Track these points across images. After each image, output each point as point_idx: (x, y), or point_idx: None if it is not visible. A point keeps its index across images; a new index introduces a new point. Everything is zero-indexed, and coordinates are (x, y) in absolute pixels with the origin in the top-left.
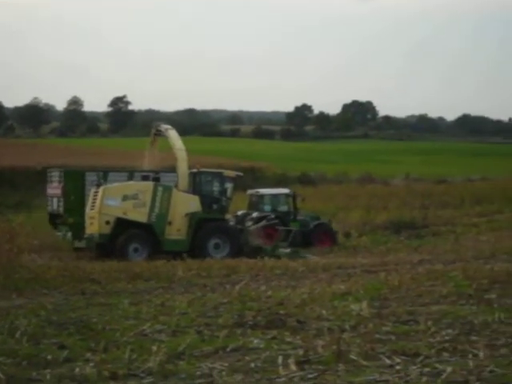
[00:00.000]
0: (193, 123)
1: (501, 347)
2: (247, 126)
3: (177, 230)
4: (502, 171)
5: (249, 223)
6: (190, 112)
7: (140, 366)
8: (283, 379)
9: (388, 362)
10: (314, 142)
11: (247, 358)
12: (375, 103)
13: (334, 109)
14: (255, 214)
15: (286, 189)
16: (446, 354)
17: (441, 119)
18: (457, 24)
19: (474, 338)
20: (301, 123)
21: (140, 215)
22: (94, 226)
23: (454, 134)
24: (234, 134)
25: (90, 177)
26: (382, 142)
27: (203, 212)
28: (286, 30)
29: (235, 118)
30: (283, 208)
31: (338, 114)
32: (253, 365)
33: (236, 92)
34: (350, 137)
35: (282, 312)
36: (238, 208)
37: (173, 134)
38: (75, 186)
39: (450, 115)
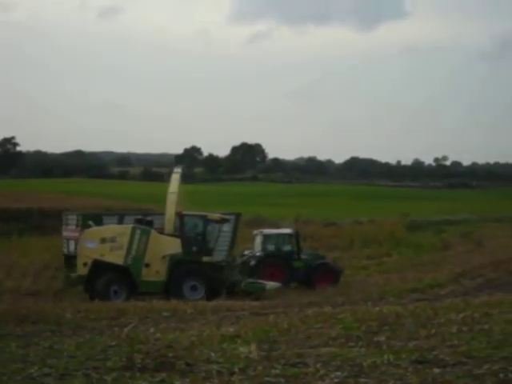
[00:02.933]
0: (80, 165)
1: None
2: (136, 168)
3: (155, 271)
4: (389, 214)
5: (252, 262)
6: (78, 154)
7: None
8: None
9: None
10: (203, 184)
11: None
12: (264, 145)
13: (223, 151)
14: (258, 254)
15: (289, 229)
16: None
17: (329, 162)
18: (342, 66)
19: (362, 380)
20: (190, 165)
21: (117, 257)
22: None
23: (343, 177)
24: (123, 176)
25: (108, 220)
26: (272, 185)
27: (183, 254)
28: (171, 70)
29: (124, 160)
30: (287, 247)
31: (227, 156)
32: None
33: (124, 134)
34: (239, 179)
35: (170, 355)
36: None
37: (173, 177)
38: None
39: (339, 158)
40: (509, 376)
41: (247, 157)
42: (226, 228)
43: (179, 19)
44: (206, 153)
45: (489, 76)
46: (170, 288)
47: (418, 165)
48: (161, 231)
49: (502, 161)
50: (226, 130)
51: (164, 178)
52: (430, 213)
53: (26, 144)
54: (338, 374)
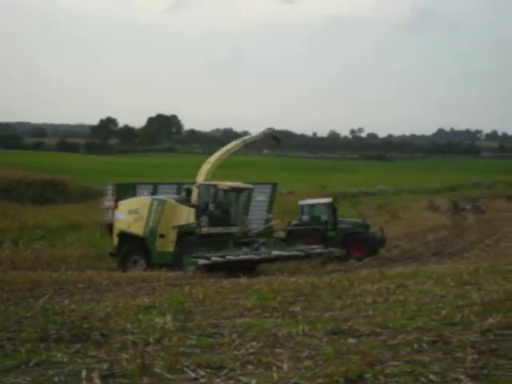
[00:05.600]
0: None
1: (304, 359)
2: (51, 139)
3: (170, 242)
4: (306, 185)
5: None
6: None
7: None
8: None
9: (192, 375)
10: (118, 155)
11: (50, 372)
12: (180, 117)
13: (139, 122)
14: (293, 223)
15: (326, 198)
16: (250, 367)
17: (246, 133)
18: (263, 37)
19: (278, 350)
20: (105, 136)
21: (138, 229)
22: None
23: (258, 148)
24: (38, 147)
25: (141, 189)
26: (188, 156)
27: (192, 225)
28: (91, 42)
29: (39, 131)
30: (323, 217)
31: (143, 128)
32: (56, 379)
33: (40, 105)
34: (155, 150)
35: (85, 326)
36: None
37: (223, 149)
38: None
39: (255, 129)
40: (423, 346)
41: (163, 128)
42: (261, 197)
43: None
44: (121, 124)
45: (409, 47)
46: (172, 258)
47: (334, 136)
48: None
49: (418, 133)
50: (142, 101)
51: (79, 149)
52: (346, 184)
53: None
54: (254, 344)
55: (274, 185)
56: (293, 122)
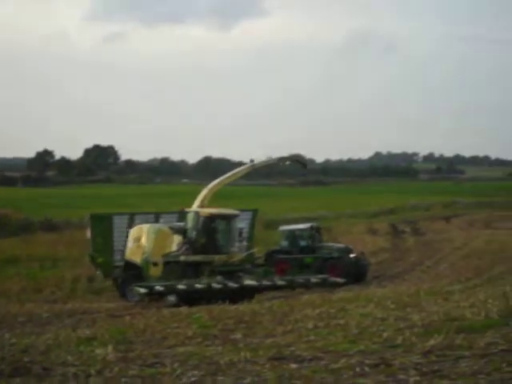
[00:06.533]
0: None
1: None
2: None
3: (161, 270)
4: None
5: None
6: None
7: None
8: None
9: None
10: (56, 187)
11: None
12: (117, 147)
13: (75, 154)
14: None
15: (307, 224)
16: None
17: (183, 162)
18: (196, 65)
19: (220, 378)
20: (42, 169)
21: (137, 256)
22: None
23: (197, 177)
24: None
25: (118, 220)
26: (125, 186)
27: (175, 253)
28: (27, 70)
29: None
30: (302, 243)
31: (80, 159)
32: None
33: None
34: (92, 181)
35: (26, 359)
36: None
37: (228, 174)
38: (102, 229)
39: (192, 158)
40: (365, 369)
41: (100, 159)
42: (242, 224)
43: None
44: (58, 156)
45: (344, 72)
46: None
47: None
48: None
49: (355, 157)
50: (79, 133)
51: (17, 183)
52: (286, 210)
53: None
54: (195, 372)
55: (255, 211)
56: (229, 149)
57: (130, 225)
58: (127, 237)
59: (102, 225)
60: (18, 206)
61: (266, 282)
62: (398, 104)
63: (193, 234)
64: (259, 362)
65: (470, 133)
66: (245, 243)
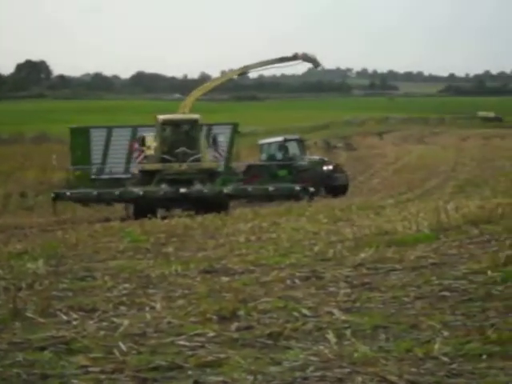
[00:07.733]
0: None
1: (177, 299)
2: None
3: None
4: None
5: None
6: None
7: None
8: None
9: (65, 318)
10: None
11: None
12: (49, 63)
13: (7, 69)
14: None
15: (282, 137)
16: (123, 308)
17: (116, 77)
18: None
19: (151, 291)
20: None
21: None
22: None
23: (130, 92)
24: None
25: (95, 133)
26: (57, 102)
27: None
28: None
29: None
30: (277, 156)
31: (12, 74)
32: None
33: None
34: (24, 97)
35: None
36: None
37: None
38: (81, 142)
39: (125, 73)
40: (296, 282)
41: (32, 74)
42: (221, 138)
43: None
44: None
45: None
46: None
47: (204, 78)
48: None
49: (289, 73)
50: (10, 47)
51: None
52: None
53: None
54: (126, 285)
55: (235, 125)
56: (161, 64)
57: (109, 138)
58: (105, 150)
59: (81, 138)
60: None
61: (211, 190)
62: (333, 19)
63: (153, 142)
64: (190, 275)
65: (404, 49)
66: (222, 154)
